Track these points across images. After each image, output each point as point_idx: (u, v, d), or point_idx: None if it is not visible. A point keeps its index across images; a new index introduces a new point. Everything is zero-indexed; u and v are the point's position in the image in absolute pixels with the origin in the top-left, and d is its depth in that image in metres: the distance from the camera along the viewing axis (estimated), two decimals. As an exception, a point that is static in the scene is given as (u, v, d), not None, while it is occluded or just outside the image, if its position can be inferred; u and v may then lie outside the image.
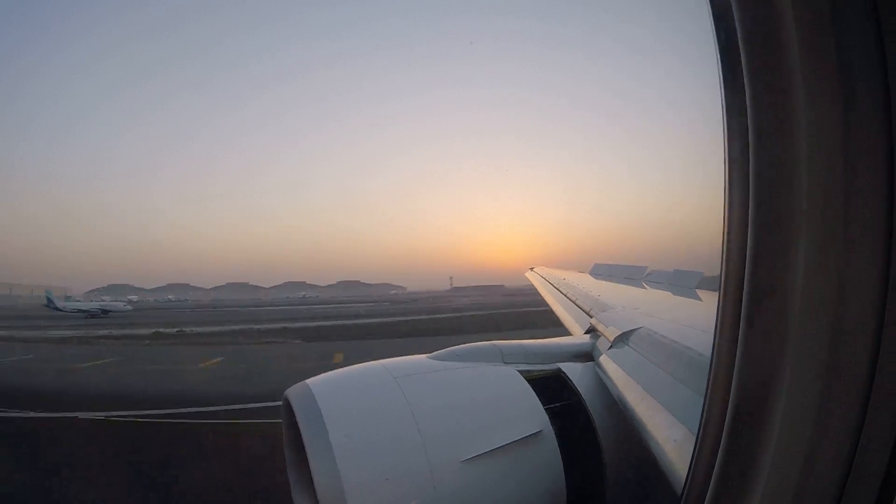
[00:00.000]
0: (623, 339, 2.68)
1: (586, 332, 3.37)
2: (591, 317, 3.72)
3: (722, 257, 1.03)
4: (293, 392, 2.17)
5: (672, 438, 1.62)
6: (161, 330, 43.12)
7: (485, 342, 2.65)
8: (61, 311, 71.23)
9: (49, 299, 75.89)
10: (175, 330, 43.73)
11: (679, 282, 5.20)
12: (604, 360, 2.58)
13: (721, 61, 0.99)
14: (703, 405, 1.11)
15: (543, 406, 2.30)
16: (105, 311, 71.43)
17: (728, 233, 1.02)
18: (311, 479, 1.93)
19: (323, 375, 2.31)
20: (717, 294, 1.08)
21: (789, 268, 0.92)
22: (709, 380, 1.09)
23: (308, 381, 2.22)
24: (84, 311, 69.40)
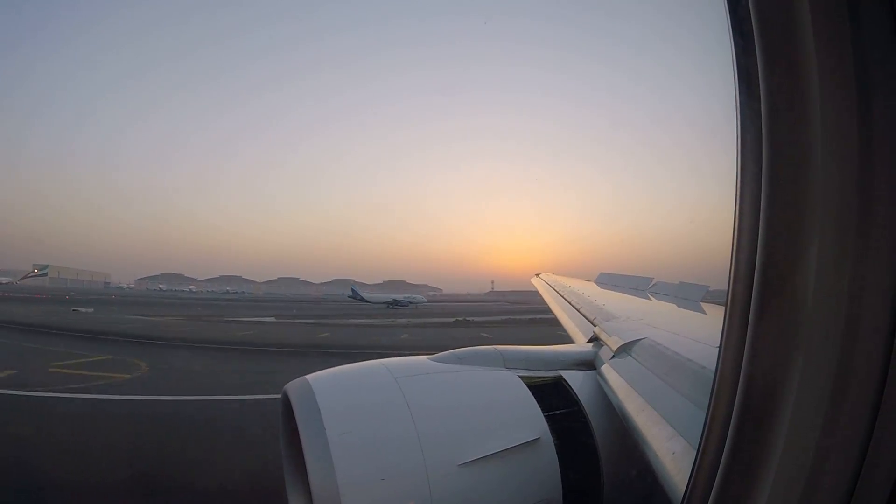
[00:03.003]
0: (626, 349, 2.56)
1: (589, 341, 3.25)
2: (594, 325, 3.59)
3: (731, 253, 0.95)
4: (292, 387, 2.09)
5: (671, 451, 1.52)
6: (459, 318, 47.68)
7: (487, 346, 2.56)
8: (367, 301, 77.41)
9: (354, 291, 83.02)
10: (461, 318, 47.82)
11: (684, 294, 5.04)
12: (606, 369, 2.46)
13: (736, 62, 0.91)
14: (708, 406, 1.02)
15: (543, 413, 2.20)
16: (408, 303, 76.30)
17: (738, 229, 0.94)
18: (306, 475, 1.85)
19: (323, 372, 2.23)
20: (722, 308, 1.00)
21: (801, 266, 0.85)
22: (714, 380, 1.01)
23: (308, 376, 2.14)
24: (387, 303, 74.36)
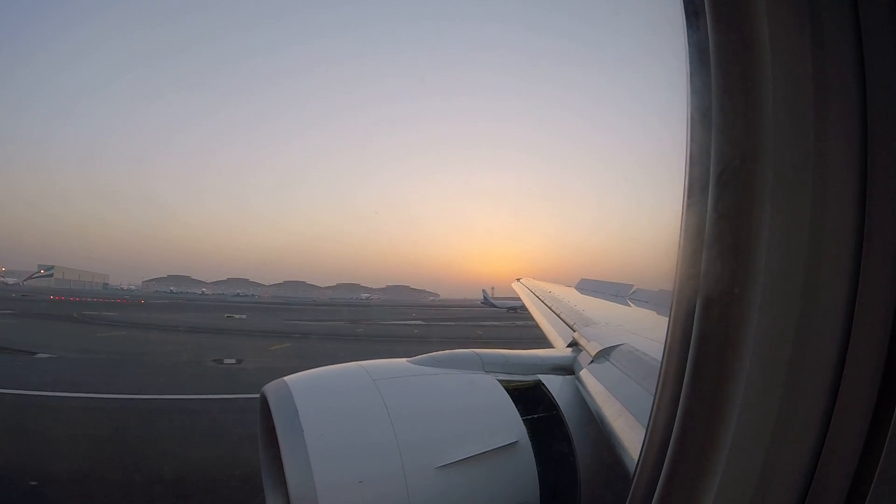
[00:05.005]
0: (604, 354, 2.49)
1: (568, 346, 3.18)
2: (574, 331, 3.53)
3: (679, 240, 0.88)
4: (270, 389, 2.01)
5: None
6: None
7: (466, 350, 2.48)
8: (495, 306, 77.28)
9: (486, 297, 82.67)
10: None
11: (664, 302, 4.98)
12: (584, 374, 2.39)
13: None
14: (653, 402, 0.96)
15: (521, 417, 2.12)
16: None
17: (685, 219, 0.87)
18: (284, 477, 1.77)
19: (301, 373, 2.15)
20: None
21: (751, 258, 0.78)
22: (660, 373, 0.94)
23: (286, 378, 2.06)
24: (508, 308, 72.98)
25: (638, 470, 1.00)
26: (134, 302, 69.39)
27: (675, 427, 0.88)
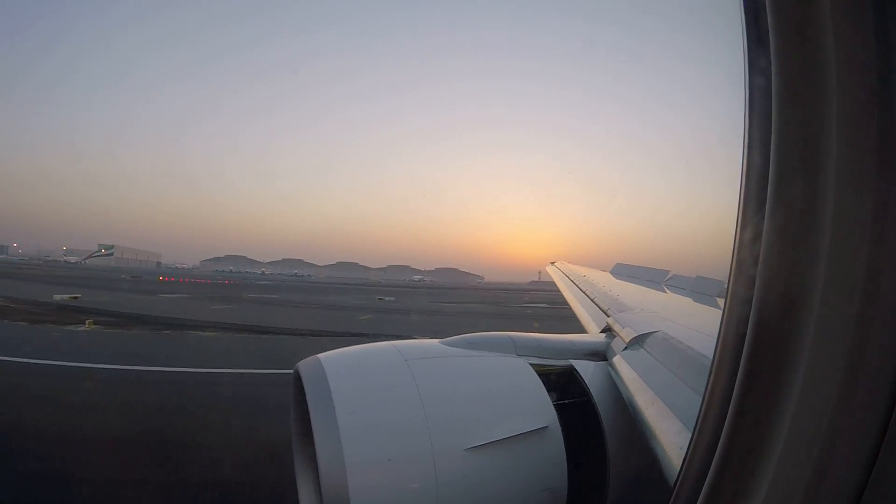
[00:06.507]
0: (639, 341, 2.41)
1: (602, 331, 3.10)
2: (608, 316, 3.43)
3: (734, 247, 0.84)
4: (304, 366, 2.03)
5: (679, 446, 1.39)
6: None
7: (499, 332, 2.44)
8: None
9: None
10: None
11: (701, 289, 4.78)
12: (617, 360, 2.32)
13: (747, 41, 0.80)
14: (703, 398, 0.92)
15: (553, 402, 2.08)
16: None
17: (741, 226, 0.82)
18: (314, 452, 1.79)
19: (335, 351, 2.16)
20: None
21: (809, 258, 0.73)
22: (711, 370, 0.92)
23: (319, 355, 2.07)
24: None
25: (684, 468, 0.95)
26: (240, 283, 70.46)
27: (724, 426, 0.83)
